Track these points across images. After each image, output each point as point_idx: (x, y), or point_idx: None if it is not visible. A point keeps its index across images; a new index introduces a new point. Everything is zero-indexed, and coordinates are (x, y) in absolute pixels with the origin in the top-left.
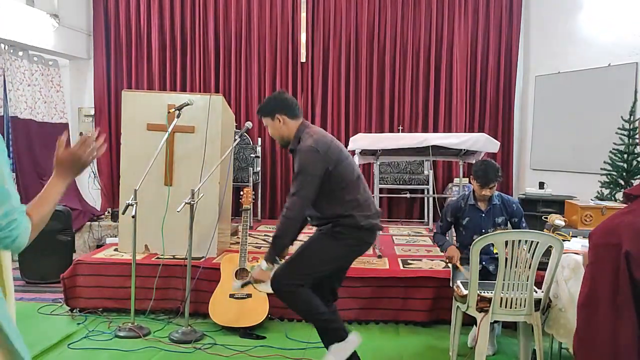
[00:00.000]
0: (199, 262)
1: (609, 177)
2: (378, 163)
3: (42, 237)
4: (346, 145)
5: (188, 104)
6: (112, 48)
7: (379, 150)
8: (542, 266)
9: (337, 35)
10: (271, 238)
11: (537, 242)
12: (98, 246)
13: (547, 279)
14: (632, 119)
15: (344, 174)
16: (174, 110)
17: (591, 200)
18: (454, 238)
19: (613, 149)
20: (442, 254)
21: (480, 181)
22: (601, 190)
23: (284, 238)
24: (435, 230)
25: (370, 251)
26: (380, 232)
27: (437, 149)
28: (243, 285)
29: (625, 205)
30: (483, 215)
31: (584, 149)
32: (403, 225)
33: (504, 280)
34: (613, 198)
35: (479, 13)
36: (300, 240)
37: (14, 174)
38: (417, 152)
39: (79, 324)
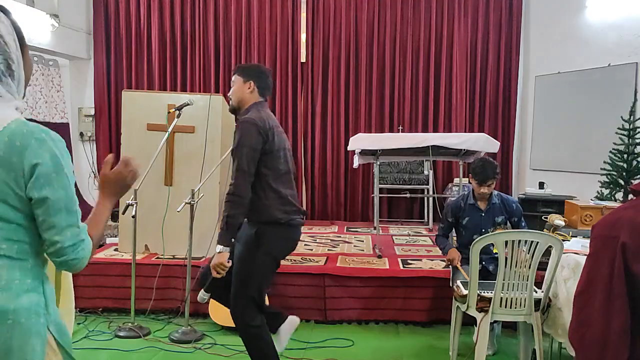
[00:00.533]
0: (199, 262)
1: (609, 177)
2: (378, 163)
3: None
4: (346, 145)
5: (188, 104)
6: (112, 48)
7: (379, 150)
8: (542, 266)
9: (337, 35)
10: (223, 219)
11: (537, 242)
12: (98, 246)
13: (547, 279)
14: (632, 119)
15: (275, 161)
16: (174, 110)
17: (591, 200)
18: (454, 239)
19: (613, 149)
20: (444, 256)
21: (478, 178)
22: (601, 190)
23: (236, 217)
24: (437, 233)
25: (370, 251)
26: (380, 233)
27: (437, 149)
28: (206, 290)
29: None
30: (483, 214)
31: (584, 149)
32: (403, 225)
33: (503, 280)
34: (613, 198)
35: (479, 13)
36: None
37: None
38: (417, 152)
39: (79, 324)
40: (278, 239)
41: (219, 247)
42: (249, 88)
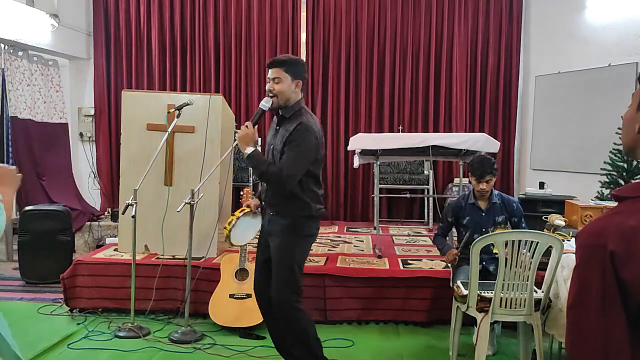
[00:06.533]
0: (199, 262)
1: (609, 177)
2: (378, 163)
3: (42, 237)
4: (346, 145)
5: (188, 104)
6: (112, 48)
7: (379, 150)
8: (542, 266)
9: (337, 36)
10: (263, 169)
11: (537, 242)
12: (98, 246)
13: (547, 279)
14: None
15: (318, 167)
16: (174, 110)
17: (591, 200)
18: (455, 239)
19: (613, 149)
20: (443, 257)
21: (476, 174)
22: (601, 190)
23: (266, 177)
24: (435, 232)
25: (370, 251)
26: (381, 233)
27: (437, 149)
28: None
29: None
30: (483, 214)
31: (584, 149)
32: (403, 226)
33: (503, 280)
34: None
35: (479, 13)
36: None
37: None
38: (417, 152)
39: (78, 324)
40: (311, 227)
41: (250, 150)
42: (296, 87)
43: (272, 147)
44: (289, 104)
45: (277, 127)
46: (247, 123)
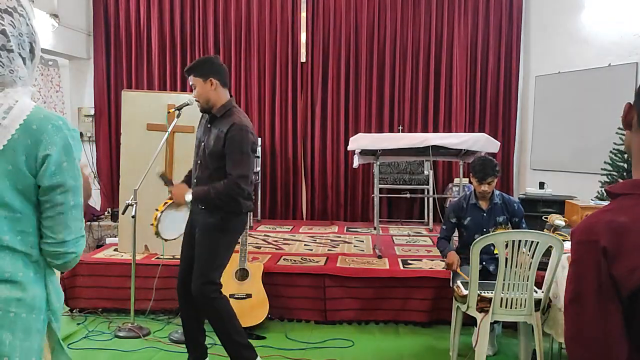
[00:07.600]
0: None
1: (609, 177)
2: (378, 163)
3: None
4: (346, 145)
5: (188, 104)
6: (112, 48)
7: (379, 150)
8: (542, 266)
9: (337, 35)
10: (214, 192)
11: (537, 242)
12: (98, 246)
13: (547, 279)
14: None
15: (251, 164)
16: (174, 110)
17: (591, 200)
18: (455, 239)
19: (613, 149)
20: (443, 260)
21: (477, 175)
22: (601, 190)
23: (223, 203)
24: (439, 235)
25: (370, 251)
26: (381, 233)
27: (437, 149)
28: (164, 180)
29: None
30: (484, 214)
31: (584, 149)
32: (403, 226)
33: (504, 280)
34: None
35: (479, 13)
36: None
37: None
38: (417, 152)
39: (78, 324)
40: (238, 224)
41: (190, 196)
42: (212, 86)
43: (202, 144)
44: (216, 104)
45: (209, 125)
46: (170, 187)
